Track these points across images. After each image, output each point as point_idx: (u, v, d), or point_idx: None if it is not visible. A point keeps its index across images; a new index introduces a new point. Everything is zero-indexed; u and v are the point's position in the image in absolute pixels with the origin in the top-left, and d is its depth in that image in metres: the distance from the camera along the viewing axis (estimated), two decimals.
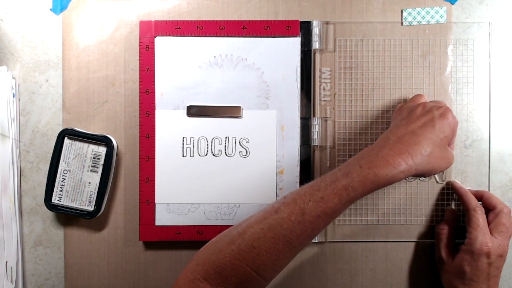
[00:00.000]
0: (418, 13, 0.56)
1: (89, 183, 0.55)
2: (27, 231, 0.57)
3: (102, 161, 0.55)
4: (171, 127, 0.55)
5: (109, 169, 0.54)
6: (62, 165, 0.55)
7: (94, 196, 0.54)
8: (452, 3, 0.56)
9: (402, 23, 0.56)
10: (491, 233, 0.51)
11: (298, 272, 0.57)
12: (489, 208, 0.53)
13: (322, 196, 0.42)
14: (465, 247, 0.51)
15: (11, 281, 0.53)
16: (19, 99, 0.56)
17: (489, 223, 0.52)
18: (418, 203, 0.56)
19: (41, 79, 0.56)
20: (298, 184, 0.56)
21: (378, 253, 0.57)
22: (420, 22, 0.56)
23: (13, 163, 0.55)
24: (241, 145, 0.56)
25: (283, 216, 0.42)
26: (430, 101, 0.50)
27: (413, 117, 0.48)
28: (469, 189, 0.55)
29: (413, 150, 0.44)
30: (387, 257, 0.57)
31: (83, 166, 0.55)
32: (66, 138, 0.55)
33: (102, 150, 0.55)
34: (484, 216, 0.52)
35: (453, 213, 0.55)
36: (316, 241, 0.56)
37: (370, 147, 0.46)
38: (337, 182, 0.43)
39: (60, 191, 0.55)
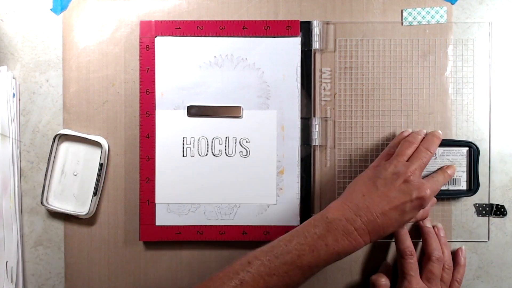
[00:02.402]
0: (418, 13, 0.56)
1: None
2: (28, 231, 0.56)
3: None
4: (171, 127, 0.55)
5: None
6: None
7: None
8: (452, 3, 0.56)
9: (402, 23, 0.56)
10: (422, 279, 0.51)
11: None
12: (424, 251, 0.53)
13: (286, 270, 0.44)
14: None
15: (12, 281, 0.53)
16: (19, 99, 0.56)
17: (423, 268, 0.52)
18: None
19: (41, 79, 0.56)
20: (298, 184, 0.56)
21: (378, 253, 0.57)
22: (420, 22, 0.56)
23: (13, 163, 0.55)
24: (241, 145, 0.56)
25: None
26: (414, 166, 0.48)
27: (390, 190, 0.47)
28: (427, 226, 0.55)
29: (377, 232, 0.46)
30: (387, 257, 0.57)
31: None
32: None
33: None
34: (415, 261, 0.51)
35: (389, 267, 0.56)
36: None
37: (337, 209, 0.47)
38: (303, 257, 0.45)
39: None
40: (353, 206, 0.46)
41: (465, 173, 0.55)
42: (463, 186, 0.55)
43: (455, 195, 0.56)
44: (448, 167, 0.53)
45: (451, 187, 0.55)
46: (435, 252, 0.52)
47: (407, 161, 0.49)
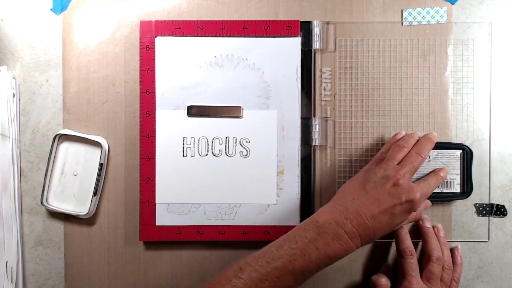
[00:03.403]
0: (419, 13, 0.56)
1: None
2: (27, 231, 0.56)
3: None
4: (171, 127, 0.55)
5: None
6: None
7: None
8: (452, 3, 0.56)
9: (402, 23, 0.56)
10: (422, 279, 0.51)
11: None
12: (424, 251, 0.53)
13: (278, 276, 0.45)
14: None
15: (11, 281, 0.53)
16: (19, 99, 0.56)
17: (423, 268, 0.52)
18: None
19: (41, 79, 0.56)
20: (298, 184, 0.56)
21: (378, 253, 0.57)
22: (421, 22, 0.56)
23: (13, 163, 0.55)
24: (241, 145, 0.56)
25: None
26: (403, 170, 0.48)
27: (379, 193, 0.47)
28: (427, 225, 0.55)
29: (368, 235, 0.46)
30: (387, 257, 0.57)
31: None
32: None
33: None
34: (415, 261, 0.51)
35: (390, 268, 0.56)
36: None
37: (327, 212, 0.47)
38: (295, 262, 0.45)
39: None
40: (343, 210, 0.47)
41: (458, 176, 0.55)
42: (456, 188, 0.55)
43: (448, 198, 0.56)
44: (440, 169, 0.53)
45: (445, 190, 0.55)
46: (434, 252, 0.52)
47: (397, 165, 0.49)
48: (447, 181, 0.55)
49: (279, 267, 0.45)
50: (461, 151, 0.55)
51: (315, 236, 0.46)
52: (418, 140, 0.52)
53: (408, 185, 0.47)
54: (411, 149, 0.51)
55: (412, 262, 0.51)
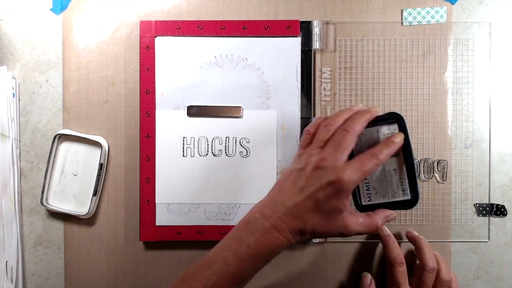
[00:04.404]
0: (418, 13, 0.56)
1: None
2: (27, 231, 0.56)
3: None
4: (171, 127, 0.55)
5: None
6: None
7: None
8: (452, 3, 0.56)
9: (402, 23, 0.56)
10: (412, 287, 0.51)
11: (298, 272, 0.57)
12: (412, 243, 0.53)
13: (216, 281, 0.42)
14: None
15: (11, 281, 0.53)
16: (19, 99, 0.56)
17: (414, 276, 0.52)
18: (419, 203, 0.56)
19: (41, 79, 0.56)
20: None
21: (378, 253, 0.57)
22: (420, 22, 0.56)
23: (13, 163, 0.55)
24: (241, 145, 0.56)
25: None
26: (326, 151, 0.43)
27: (300, 179, 0.43)
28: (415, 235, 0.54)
29: (298, 228, 0.43)
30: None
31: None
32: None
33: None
34: (404, 269, 0.50)
35: (368, 279, 0.55)
36: (316, 241, 0.56)
37: (257, 207, 0.45)
38: (229, 264, 0.43)
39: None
40: (270, 203, 0.44)
41: (397, 171, 0.47)
42: (396, 192, 0.47)
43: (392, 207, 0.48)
44: (393, 135, 0.45)
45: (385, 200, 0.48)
46: (430, 262, 0.51)
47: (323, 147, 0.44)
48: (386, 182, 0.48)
49: (215, 272, 0.42)
50: (396, 124, 0.46)
51: (245, 233, 0.43)
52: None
53: (332, 166, 0.42)
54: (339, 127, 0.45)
55: (402, 271, 0.50)
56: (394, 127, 0.46)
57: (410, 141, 0.45)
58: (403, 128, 0.45)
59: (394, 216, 0.47)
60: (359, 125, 0.44)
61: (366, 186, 0.47)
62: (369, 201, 0.48)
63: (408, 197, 0.46)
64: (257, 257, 0.43)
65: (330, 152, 0.43)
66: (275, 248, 0.43)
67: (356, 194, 0.48)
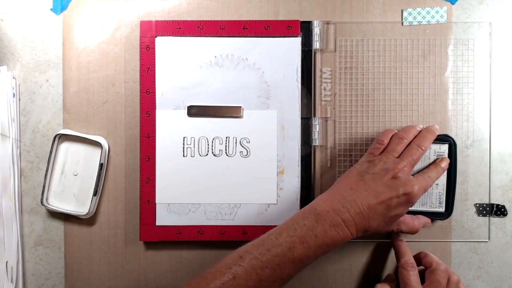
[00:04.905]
0: (419, 13, 0.56)
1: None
2: (27, 231, 0.56)
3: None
4: (171, 127, 0.55)
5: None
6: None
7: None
8: (453, 3, 0.56)
9: (402, 23, 0.56)
10: None
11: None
12: (427, 266, 0.53)
13: (278, 263, 0.45)
14: None
15: (12, 281, 0.53)
16: (19, 99, 0.56)
17: (426, 280, 0.52)
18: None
19: (41, 79, 0.56)
20: (299, 184, 0.56)
21: (378, 253, 0.57)
22: (421, 22, 0.56)
23: (13, 163, 0.54)
24: (241, 145, 0.56)
25: (241, 283, 0.44)
26: (403, 163, 0.48)
27: (377, 185, 0.47)
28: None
29: (363, 225, 0.47)
30: (387, 257, 0.57)
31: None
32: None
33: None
34: (416, 273, 0.51)
35: (393, 279, 0.54)
36: None
37: (325, 201, 0.48)
38: (294, 250, 0.45)
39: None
40: (341, 199, 0.47)
41: (443, 185, 0.54)
42: (434, 204, 0.54)
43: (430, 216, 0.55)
44: (441, 160, 0.53)
45: (422, 208, 0.54)
46: (441, 263, 0.52)
47: (397, 157, 0.49)
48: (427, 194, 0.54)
49: (279, 254, 0.45)
50: (447, 144, 0.54)
51: (313, 223, 0.46)
52: (419, 132, 0.52)
53: (406, 178, 0.48)
54: (411, 141, 0.51)
55: (414, 275, 0.51)
56: (445, 147, 0.53)
57: (457, 163, 0.53)
58: (453, 150, 0.53)
59: (430, 225, 0.55)
60: (428, 143, 0.51)
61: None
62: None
63: (442, 209, 0.54)
64: (323, 247, 0.46)
65: (406, 165, 0.48)
66: (340, 241, 0.46)
67: None
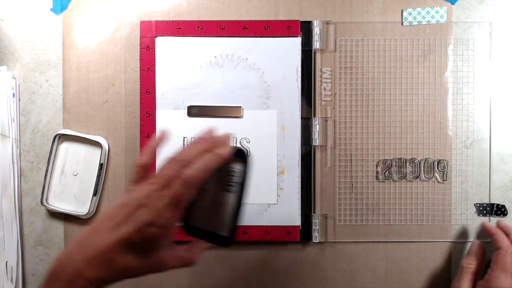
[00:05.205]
0: (419, 13, 0.56)
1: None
2: (27, 231, 0.56)
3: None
4: (171, 127, 0.55)
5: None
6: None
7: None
8: (453, 3, 0.56)
9: (402, 23, 0.56)
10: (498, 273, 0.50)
11: (298, 272, 0.57)
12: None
13: None
14: (483, 283, 0.50)
15: (11, 281, 0.53)
16: (19, 99, 0.56)
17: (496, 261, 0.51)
18: (419, 203, 0.56)
19: (41, 79, 0.56)
20: (299, 184, 0.56)
21: (378, 253, 0.57)
22: (421, 22, 0.56)
23: (13, 163, 0.54)
24: (241, 145, 0.56)
25: None
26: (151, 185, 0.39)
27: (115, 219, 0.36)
28: (498, 223, 0.54)
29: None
30: (387, 257, 0.57)
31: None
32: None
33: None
34: None
35: (482, 249, 0.54)
36: (316, 241, 0.56)
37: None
38: None
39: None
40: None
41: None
42: (221, 225, 0.41)
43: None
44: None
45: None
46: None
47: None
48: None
49: None
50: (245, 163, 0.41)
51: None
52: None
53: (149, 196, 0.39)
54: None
55: (510, 256, 0.50)
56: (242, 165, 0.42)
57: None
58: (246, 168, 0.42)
59: (206, 249, 0.42)
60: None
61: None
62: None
63: (226, 234, 0.42)
64: None
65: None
66: None
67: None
